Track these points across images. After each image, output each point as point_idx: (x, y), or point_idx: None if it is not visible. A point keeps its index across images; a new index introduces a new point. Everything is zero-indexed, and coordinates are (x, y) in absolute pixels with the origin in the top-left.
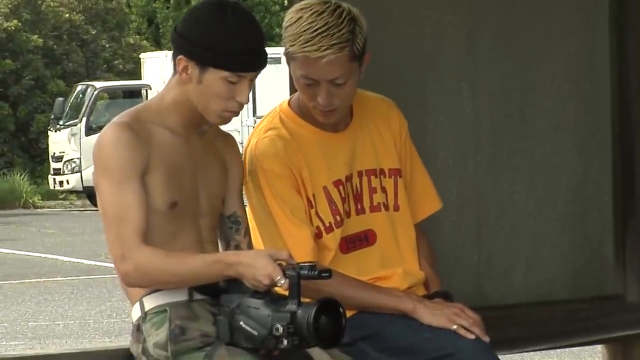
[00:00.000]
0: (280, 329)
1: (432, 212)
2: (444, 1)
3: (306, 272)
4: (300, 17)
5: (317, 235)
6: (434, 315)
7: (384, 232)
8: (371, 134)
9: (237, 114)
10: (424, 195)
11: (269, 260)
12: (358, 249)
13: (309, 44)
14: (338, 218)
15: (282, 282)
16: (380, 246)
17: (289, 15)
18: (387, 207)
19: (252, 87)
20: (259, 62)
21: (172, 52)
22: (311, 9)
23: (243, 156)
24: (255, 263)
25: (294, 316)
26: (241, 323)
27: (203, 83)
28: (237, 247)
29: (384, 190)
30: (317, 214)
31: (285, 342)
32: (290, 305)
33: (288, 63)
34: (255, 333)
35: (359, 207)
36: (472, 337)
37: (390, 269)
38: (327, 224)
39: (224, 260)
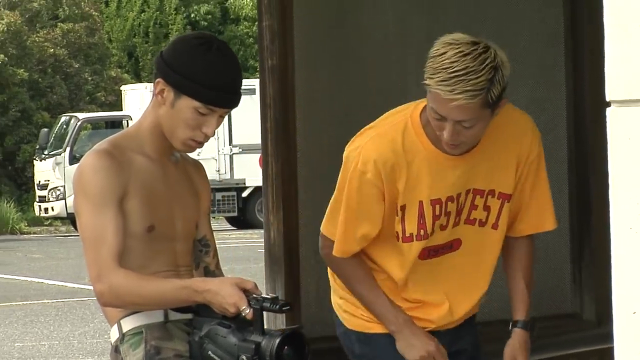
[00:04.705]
0: None
1: (545, 230)
2: (407, 19)
3: (268, 305)
4: (445, 53)
5: (396, 239)
6: (408, 346)
7: (470, 241)
8: (492, 160)
9: (201, 145)
10: (541, 212)
11: (235, 290)
12: (438, 256)
13: (444, 83)
14: (422, 232)
15: (247, 311)
16: (462, 253)
17: (437, 46)
18: (482, 224)
19: (221, 122)
20: (231, 100)
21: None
22: (458, 48)
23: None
24: (222, 291)
25: (258, 347)
26: (209, 352)
27: (175, 108)
28: (207, 269)
29: (486, 208)
30: (401, 221)
31: None
32: (255, 335)
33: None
34: None
35: (457, 220)
36: None
37: (439, 296)
38: (408, 235)
39: (192, 287)
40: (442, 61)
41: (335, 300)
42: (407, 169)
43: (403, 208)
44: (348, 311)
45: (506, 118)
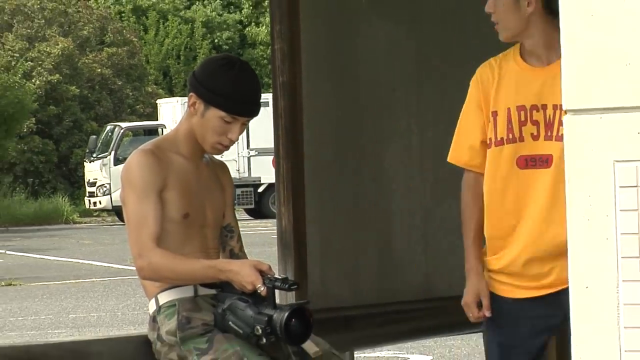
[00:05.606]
0: (260, 330)
1: None
2: (398, 53)
3: (279, 284)
4: None
5: (488, 146)
6: (464, 291)
7: (559, 159)
8: None
9: (227, 148)
10: None
11: (253, 270)
12: (536, 167)
13: None
14: (510, 136)
15: (262, 289)
16: (554, 170)
17: None
18: None
19: (244, 129)
20: (251, 110)
21: (187, 93)
22: None
23: None
24: (242, 272)
25: (270, 319)
26: (230, 323)
27: (205, 117)
28: (231, 252)
29: None
30: (494, 127)
31: (264, 339)
32: (268, 309)
33: None
34: (241, 331)
35: (549, 134)
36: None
37: (534, 212)
38: (499, 139)
39: (217, 267)
40: None
41: None
42: (499, 77)
43: (494, 114)
44: None
45: None
